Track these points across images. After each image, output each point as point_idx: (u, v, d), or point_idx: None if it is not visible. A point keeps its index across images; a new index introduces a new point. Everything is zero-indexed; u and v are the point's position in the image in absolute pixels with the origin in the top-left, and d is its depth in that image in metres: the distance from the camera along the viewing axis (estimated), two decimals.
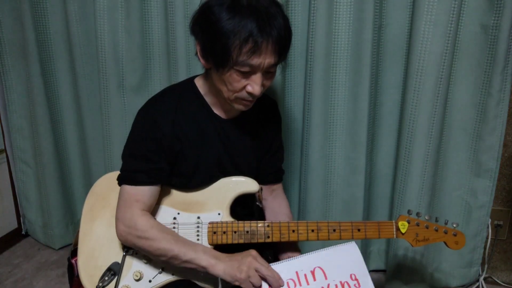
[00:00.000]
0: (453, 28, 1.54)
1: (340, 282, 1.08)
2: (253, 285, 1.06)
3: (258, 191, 1.23)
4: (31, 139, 2.15)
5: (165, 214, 1.19)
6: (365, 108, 1.70)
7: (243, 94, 1.09)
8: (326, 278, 1.08)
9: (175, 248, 1.09)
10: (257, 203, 1.30)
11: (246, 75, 1.05)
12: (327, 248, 1.12)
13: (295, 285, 1.07)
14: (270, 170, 1.38)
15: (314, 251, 1.12)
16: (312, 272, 1.09)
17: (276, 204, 1.40)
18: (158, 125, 1.13)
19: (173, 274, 1.16)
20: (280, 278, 1.07)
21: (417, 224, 1.21)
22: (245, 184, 1.21)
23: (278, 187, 1.42)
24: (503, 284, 1.95)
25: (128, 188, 1.14)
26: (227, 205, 1.19)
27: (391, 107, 1.79)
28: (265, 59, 1.02)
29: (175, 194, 1.21)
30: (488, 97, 1.67)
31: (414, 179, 1.70)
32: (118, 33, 1.81)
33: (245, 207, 1.28)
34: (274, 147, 1.38)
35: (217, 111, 1.21)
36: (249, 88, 1.07)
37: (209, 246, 1.16)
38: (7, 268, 2.10)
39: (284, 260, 1.11)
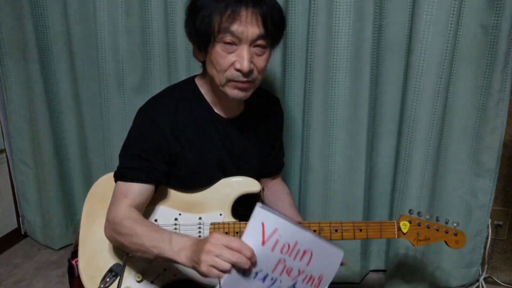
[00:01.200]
0: (453, 28, 1.54)
1: (311, 276, 0.98)
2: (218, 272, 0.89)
3: (260, 191, 1.23)
4: (30, 139, 2.14)
5: (167, 215, 1.19)
6: (365, 108, 1.70)
7: (233, 73, 1.06)
8: (308, 264, 0.96)
9: (146, 242, 1.01)
10: (259, 202, 1.29)
11: (231, 48, 1.05)
12: (323, 239, 0.97)
13: (288, 252, 0.94)
14: (274, 167, 1.42)
15: (312, 234, 0.96)
16: (304, 252, 0.95)
17: (277, 187, 1.44)
18: (158, 126, 1.12)
19: (174, 275, 1.16)
20: (251, 254, 0.89)
21: (418, 224, 1.21)
22: (246, 184, 1.21)
23: (278, 175, 1.48)
24: (503, 284, 1.96)
25: (120, 184, 1.13)
26: (229, 206, 1.19)
27: (391, 107, 1.79)
28: (247, 28, 1.02)
29: (176, 194, 1.21)
30: (488, 97, 1.67)
31: (414, 179, 1.70)
32: (118, 33, 1.81)
33: (247, 207, 1.27)
34: (278, 145, 1.39)
35: (218, 110, 1.20)
36: (237, 65, 1.05)
37: None
38: (7, 268, 2.10)
39: (290, 220, 0.94)
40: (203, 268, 0.88)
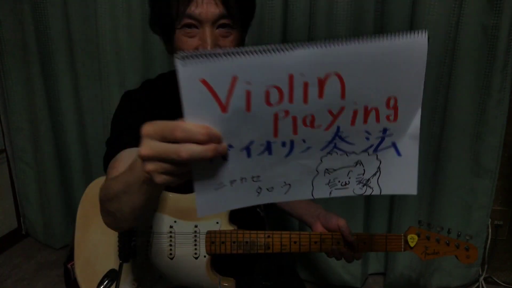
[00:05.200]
0: (453, 28, 1.53)
1: (365, 107, 0.59)
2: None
3: None
4: (31, 138, 2.15)
5: (161, 222, 1.16)
6: None
7: None
8: (343, 96, 0.57)
9: (117, 184, 0.77)
10: (258, 210, 1.27)
11: (192, 31, 0.97)
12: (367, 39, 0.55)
13: (280, 98, 0.55)
14: None
15: (322, 46, 0.54)
16: (321, 82, 0.55)
17: None
18: (134, 99, 1.09)
19: (171, 282, 1.15)
20: (207, 134, 0.55)
21: (427, 237, 1.12)
22: None
23: None
24: (503, 284, 1.95)
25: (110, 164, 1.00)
26: (226, 213, 1.16)
27: None
28: (205, 9, 0.94)
29: (172, 200, 1.19)
30: (488, 97, 1.66)
31: None
32: (119, 33, 1.80)
33: (245, 215, 1.24)
34: None
35: None
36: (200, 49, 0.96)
37: (207, 255, 1.14)
38: (7, 268, 2.10)
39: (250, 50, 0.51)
40: (156, 179, 0.58)
